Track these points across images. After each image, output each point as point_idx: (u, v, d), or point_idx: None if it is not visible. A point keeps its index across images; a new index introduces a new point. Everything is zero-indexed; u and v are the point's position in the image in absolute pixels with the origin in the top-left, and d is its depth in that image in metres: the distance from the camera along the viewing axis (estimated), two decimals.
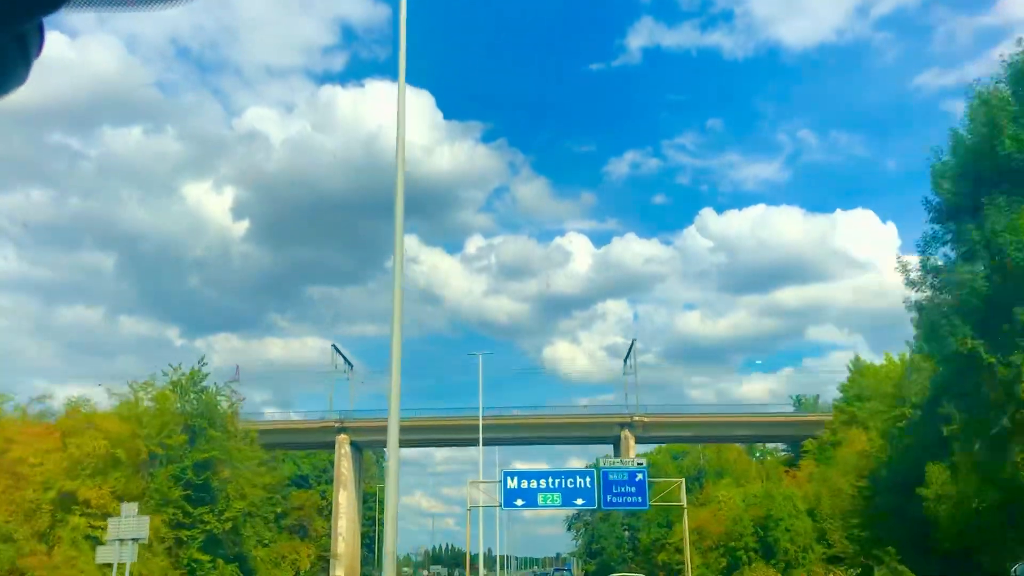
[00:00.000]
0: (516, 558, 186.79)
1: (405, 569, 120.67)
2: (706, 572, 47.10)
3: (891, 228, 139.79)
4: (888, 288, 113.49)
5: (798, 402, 75.35)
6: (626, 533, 61.99)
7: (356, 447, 70.72)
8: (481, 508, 53.47)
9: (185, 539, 39.59)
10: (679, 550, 49.10)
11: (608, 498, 42.00)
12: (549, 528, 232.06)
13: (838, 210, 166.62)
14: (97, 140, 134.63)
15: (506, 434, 67.61)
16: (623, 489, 42.04)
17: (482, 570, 54.16)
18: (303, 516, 56.94)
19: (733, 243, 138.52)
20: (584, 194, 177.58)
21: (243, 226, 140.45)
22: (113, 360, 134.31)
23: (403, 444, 72.44)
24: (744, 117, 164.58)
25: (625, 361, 67.86)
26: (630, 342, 65.56)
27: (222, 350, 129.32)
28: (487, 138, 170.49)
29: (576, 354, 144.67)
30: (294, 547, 52.56)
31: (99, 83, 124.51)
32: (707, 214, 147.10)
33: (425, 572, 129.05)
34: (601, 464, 42.79)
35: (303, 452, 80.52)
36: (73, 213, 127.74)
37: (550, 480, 42.38)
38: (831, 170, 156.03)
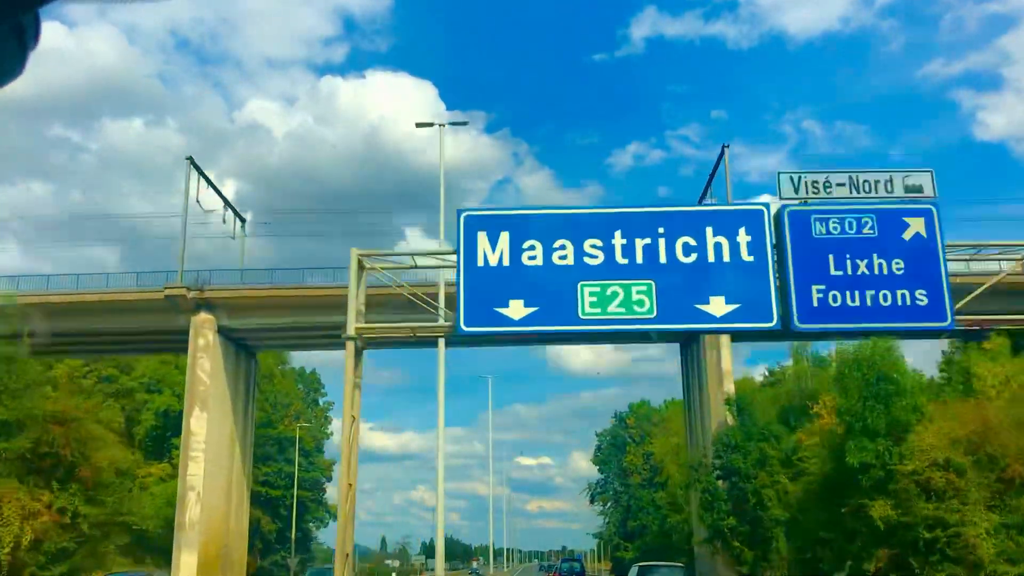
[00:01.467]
0: (520, 551, 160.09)
1: (387, 562, 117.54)
2: (1016, 551, 17.63)
3: None
4: None
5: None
6: (710, 489, 30.41)
7: (234, 341, 41.06)
8: (444, 343, 23.90)
9: None
10: (928, 491, 19.11)
11: (828, 297, 12.15)
12: (555, 522, 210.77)
13: None
14: (98, 133, 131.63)
15: None
16: (866, 270, 12.00)
17: (440, 561, 25.03)
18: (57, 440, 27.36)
19: None
20: (588, 185, 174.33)
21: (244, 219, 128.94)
22: None
23: (297, 342, 40.46)
24: (748, 107, 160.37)
25: (707, 186, 37.96)
26: (720, 149, 35.70)
27: None
28: (490, 128, 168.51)
29: (580, 348, 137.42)
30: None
31: (99, 74, 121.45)
32: None
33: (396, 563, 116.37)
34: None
35: (166, 363, 50.67)
36: (75, 206, 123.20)
37: (607, 235, 12.39)
38: (836, 161, 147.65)
